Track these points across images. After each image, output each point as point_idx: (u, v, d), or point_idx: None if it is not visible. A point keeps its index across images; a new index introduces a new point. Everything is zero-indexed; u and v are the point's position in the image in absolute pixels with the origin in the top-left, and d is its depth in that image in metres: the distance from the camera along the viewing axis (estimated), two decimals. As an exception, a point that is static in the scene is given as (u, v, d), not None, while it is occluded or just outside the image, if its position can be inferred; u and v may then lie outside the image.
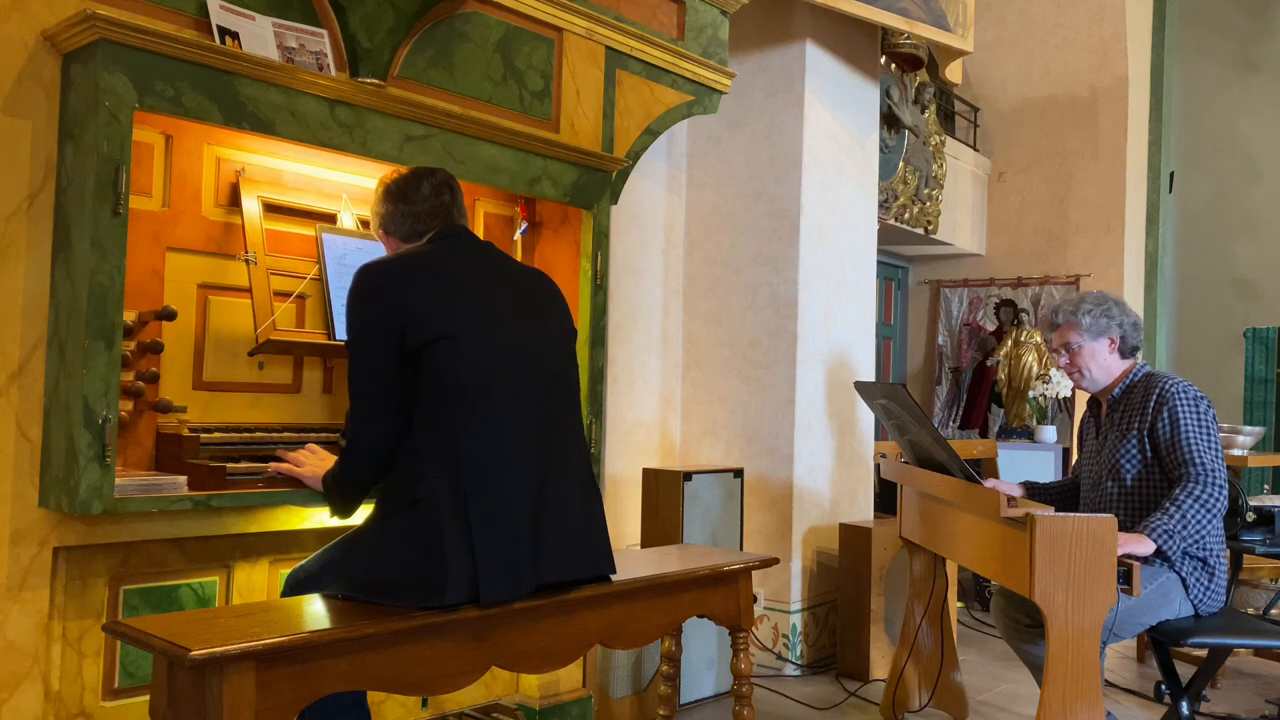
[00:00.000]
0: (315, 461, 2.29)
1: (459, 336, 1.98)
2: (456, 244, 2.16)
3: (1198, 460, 2.71)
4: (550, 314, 2.22)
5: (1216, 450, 2.74)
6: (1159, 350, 8.11)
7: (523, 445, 2.02)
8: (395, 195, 2.19)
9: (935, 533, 3.19)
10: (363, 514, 2.17)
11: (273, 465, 2.28)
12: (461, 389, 1.97)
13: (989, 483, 3.02)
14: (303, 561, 2.18)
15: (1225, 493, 2.68)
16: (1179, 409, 2.77)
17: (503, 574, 1.95)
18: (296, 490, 2.29)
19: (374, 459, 2.04)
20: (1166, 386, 2.82)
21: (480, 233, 3.00)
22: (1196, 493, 2.65)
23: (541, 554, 2.02)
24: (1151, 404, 2.82)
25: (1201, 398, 2.81)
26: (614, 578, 2.26)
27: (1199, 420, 2.76)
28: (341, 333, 2.56)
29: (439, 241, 2.15)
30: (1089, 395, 3.13)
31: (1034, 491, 3.18)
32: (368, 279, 2.03)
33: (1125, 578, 2.44)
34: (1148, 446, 2.83)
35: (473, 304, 2.03)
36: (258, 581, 2.47)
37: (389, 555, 1.96)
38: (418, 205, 2.18)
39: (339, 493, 2.12)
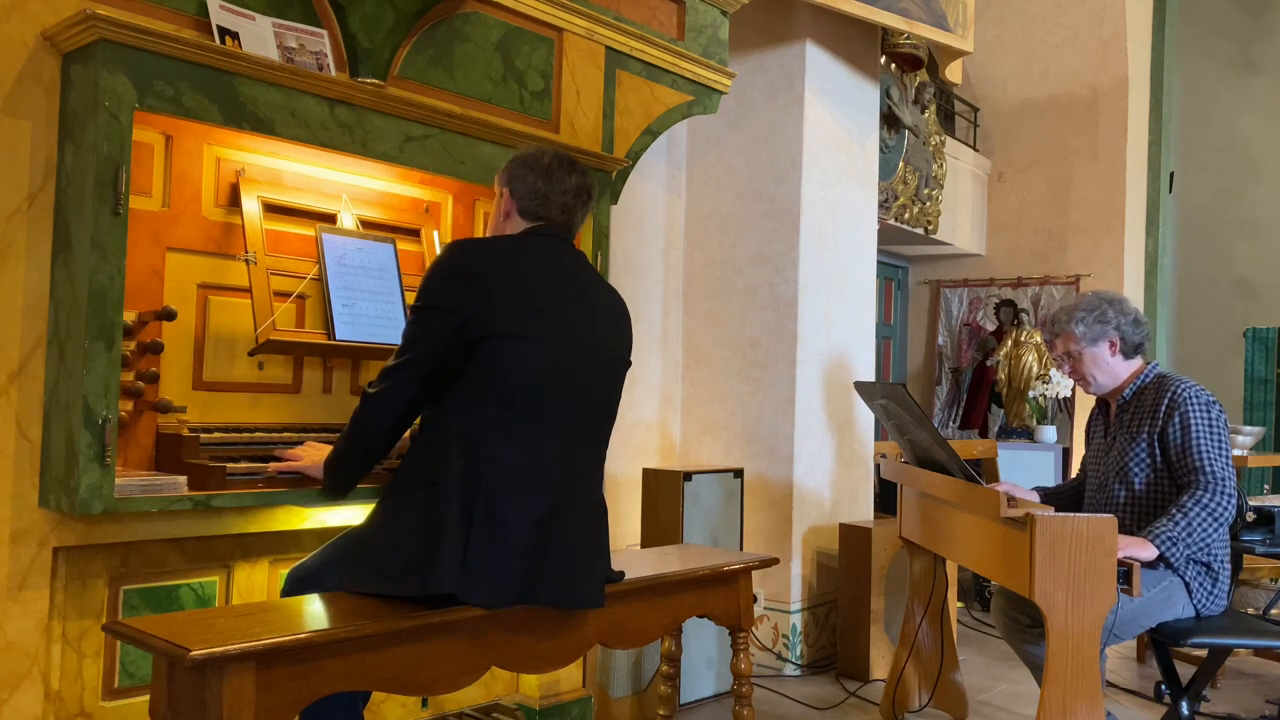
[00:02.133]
0: (313, 452, 2.29)
1: (523, 338, 1.98)
2: (552, 246, 2.14)
3: (1208, 468, 2.68)
4: (616, 340, 2.22)
5: (1227, 458, 2.71)
6: (1159, 350, 8.11)
7: (551, 461, 2.02)
8: (541, 171, 2.15)
9: (935, 533, 3.19)
10: (361, 514, 2.17)
11: (272, 465, 2.28)
12: (510, 390, 1.98)
13: (1002, 485, 3.00)
14: (303, 560, 2.18)
15: (1233, 501, 2.65)
16: (1191, 414, 2.74)
17: (488, 579, 1.93)
18: (296, 490, 2.29)
19: (388, 416, 2.04)
20: (1179, 391, 2.78)
21: (480, 233, 3.00)
22: (1205, 500, 2.64)
23: (542, 575, 2.00)
24: (1163, 408, 2.79)
25: (1214, 402, 2.77)
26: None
27: (1210, 426, 2.73)
28: (342, 333, 2.56)
29: (538, 238, 2.14)
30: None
31: (1045, 496, 3.16)
32: (455, 256, 2.03)
33: (1125, 578, 2.43)
34: (1157, 451, 2.80)
35: (545, 311, 2.03)
36: (258, 581, 2.47)
37: (394, 530, 1.97)
38: (553, 193, 2.14)
39: (342, 454, 2.12)
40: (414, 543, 1.94)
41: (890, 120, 6.08)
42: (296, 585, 2.11)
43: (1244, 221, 8.10)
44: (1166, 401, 2.79)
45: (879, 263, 5.55)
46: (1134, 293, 7.43)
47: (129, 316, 2.27)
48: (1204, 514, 2.62)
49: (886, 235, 6.61)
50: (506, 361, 1.97)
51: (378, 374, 2.07)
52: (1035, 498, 3.10)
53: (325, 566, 2.09)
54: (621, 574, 2.28)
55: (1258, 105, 8.10)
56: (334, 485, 2.17)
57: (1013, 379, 7.13)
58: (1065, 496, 3.16)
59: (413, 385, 2.02)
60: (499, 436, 1.97)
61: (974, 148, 7.72)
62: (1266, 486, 6.36)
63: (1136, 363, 2.97)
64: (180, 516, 2.24)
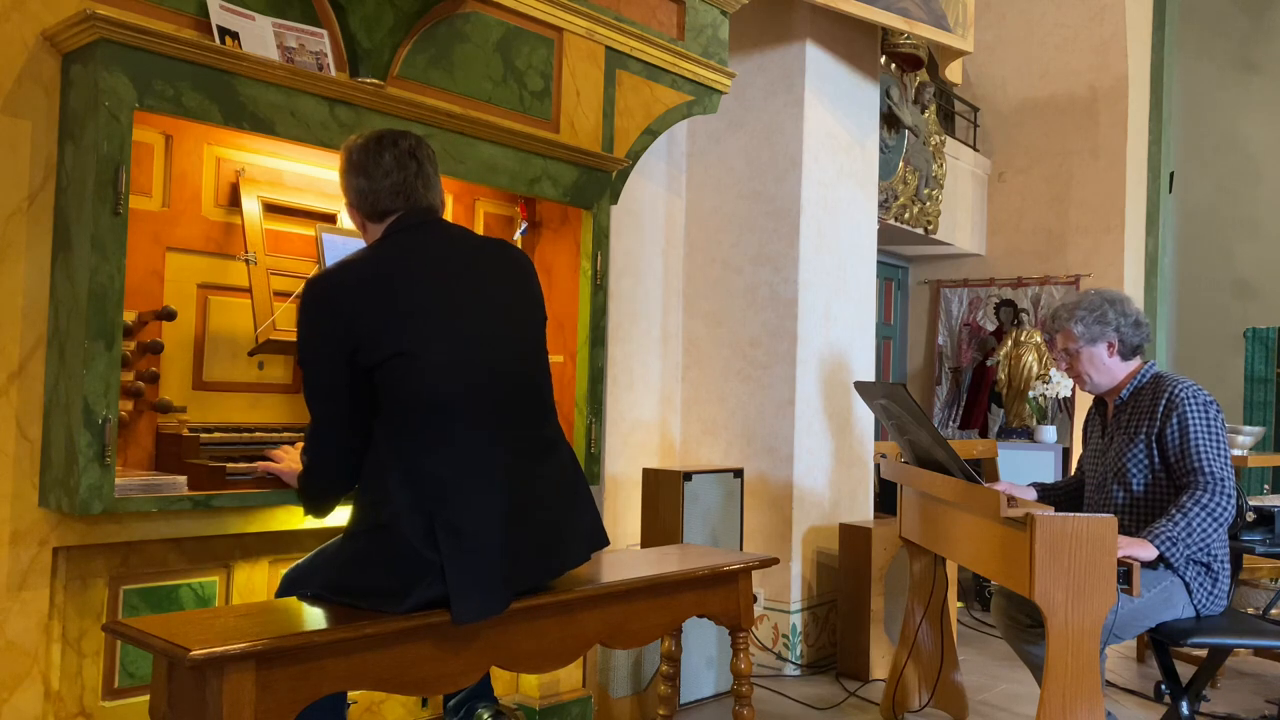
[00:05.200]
0: (294, 456, 2.25)
1: (415, 353, 1.90)
2: (416, 238, 2.02)
3: (1206, 469, 2.68)
4: (521, 302, 2.13)
5: (1226, 458, 2.71)
6: (1159, 350, 8.11)
7: (491, 456, 1.96)
8: (356, 167, 2.02)
9: (935, 533, 3.19)
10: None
11: (260, 464, 2.26)
12: (422, 405, 1.91)
13: (1000, 484, 3.00)
14: (298, 561, 2.18)
15: (1233, 501, 2.65)
16: (1189, 415, 2.73)
17: (475, 593, 1.91)
18: (293, 490, 2.29)
19: (332, 471, 2.01)
20: (1176, 391, 2.78)
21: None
22: (1204, 501, 2.63)
23: (517, 565, 1.98)
24: (1160, 409, 2.79)
25: (1211, 402, 2.77)
26: (614, 578, 2.26)
27: (1208, 427, 2.73)
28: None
29: (397, 236, 2.02)
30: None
31: (1043, 492, 3.17)
32: (314, 296, 1.94)
33: (1125, 577, 2.43)
34: (1155, 452, 2.80)
35: (431, 313, 1.94)
36: (258, 581, 2.47)
37: (357, 570, 1.93)
38: (378, 181, 2.01)
39: (306, 497, 2.09)
40: (382, 581, 1.89)
41: (890, 120, 6.08)
42: (290, 587, 2.09)
43: (1244, 221, 8.09)
44: (1164, 402, 2.79)
45: (879, 263, 5.55)
46: (1134, 293, 7.43)
47: (129, 316, 2.27)
48: (1204, 514, 2.62)
49: (886, 235, 6.61)
50: (406, 381, 1.90)
51: (305, 440, 2.03)
52: (1033, 494, 3.11)
53: (316, 569, 2.07)
54: (604, 540, 2.22)
55: (1258, 105, 8.10)
56: (305, 509, 2.12)
57: (1013, 379, 7.13)
58: (1063, 494, 3.16)
59: (333, 435, 1.97)
60: (431, 455, 1.90)
61: (974, 148, 7.72)
62: (1266, 486, 6.36)
63: (1134, 363, 2.97)
64: (180, 516, 2.24)
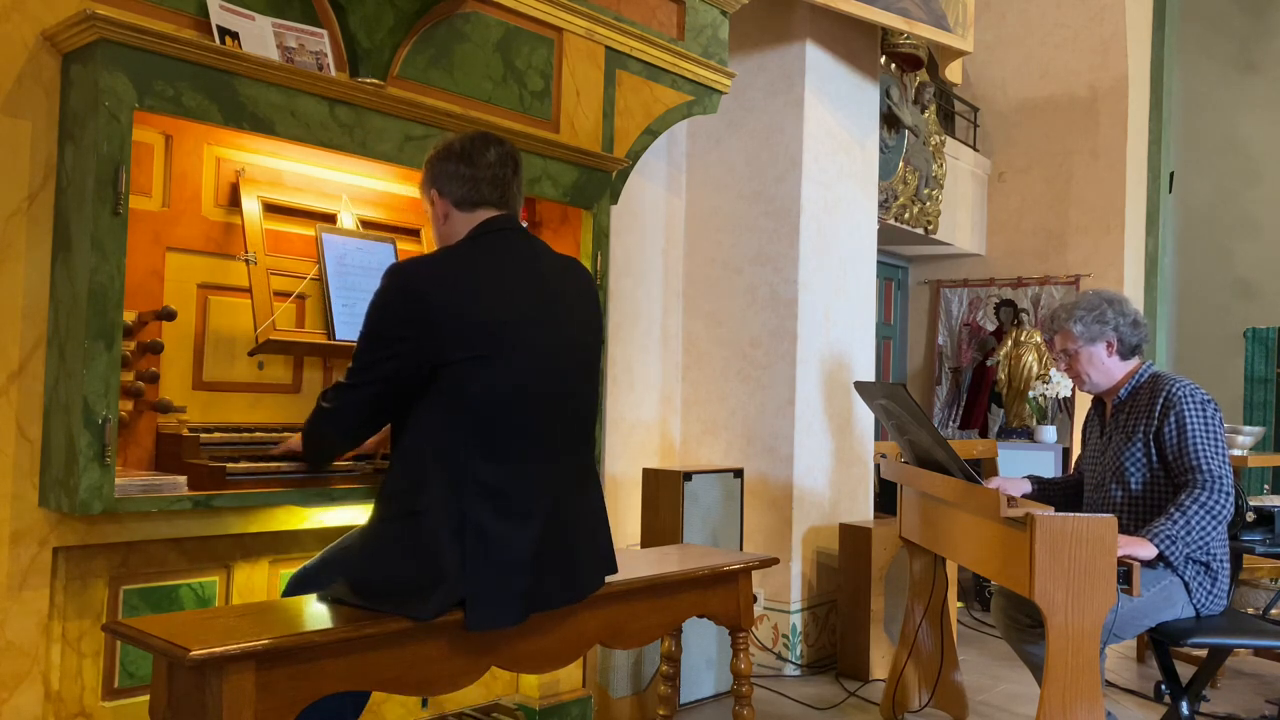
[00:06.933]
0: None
1: (485, 357, 1.92)
2: (498, 243, 2.05)
3: (1204, 467, 2.68)
4: (584, 329, 2.15)
5: (1223, 456, 2.72)
6: (1159, 350, 8.11)
7: (536, 471, 1.98)
8: (458, 155, 2.07)
9: (935, 533, 3.19)
10: (359, 513, 2.17)
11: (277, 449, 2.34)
12: (482, 410, 1.92)
13: (995, 480, 3.01)
14: (306, 562, 2.18)
15: (1231, 499, 2.66)
16: (1186, 413, 2.74)
17: (493, 602, 1.92)
18: (296, 490, 2.29)
19: (340, 436, 2.08)
20: (1173, 390, 2.79)
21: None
22: (1202, 499, 2.64)
23: (541, 584, 1.99)
24: (1158, 407, 2.79)
25: (1209, 401, 2.78)
26: (614, 578, 2.26)
27: (1206, 425, 2.74)
28: (342, 333, 2.56)
29: (486, 239, 2.05)
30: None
31: (1040, 486, 3.17)
32: (398, 283, 1.95)
33: (1125, 577, 2.43)
34: (1153, 451, 2.80)
35: (505, 323, 1.96)
36: (258, 581, 2.47)
37: (381, 561, 1.94)
38: (480, 170, 2.05)
39: (306, 441, 2.17)
40: (405, 574, 1.90)
41: (890, 120, 6.08)
42: (298, 588, 2.10)
43: (1244, 221, 8.09)
44: (1161, 401, 2.79)
45: (879, 263, 5.54)
46: (1134, 293, 7.43)
47: (129, 316, 2.27)
48: (1202, 512, 2.62)
49: (886, 235, 6.60)
50: (473, 382, 1.91)
51: (333, 386, 2.06)
52: (1028, 486, 3.12)
53: (324, 569, 2.07)
54: (615, 569, 2.24)
55: (1258, 105, 8.09)
56: (310, 462, 2.21)
57: (1013, 379, 7.14)
58: (1059, 490, 3.16)
59: (364, 408, 1.99)
60: (478, 455, 1.91)
61: (974, 148, 7.72)
62: (1266, 486, 6.36)
63: (1133, 363, 2.97)
64: (180, 516, 2.24)
